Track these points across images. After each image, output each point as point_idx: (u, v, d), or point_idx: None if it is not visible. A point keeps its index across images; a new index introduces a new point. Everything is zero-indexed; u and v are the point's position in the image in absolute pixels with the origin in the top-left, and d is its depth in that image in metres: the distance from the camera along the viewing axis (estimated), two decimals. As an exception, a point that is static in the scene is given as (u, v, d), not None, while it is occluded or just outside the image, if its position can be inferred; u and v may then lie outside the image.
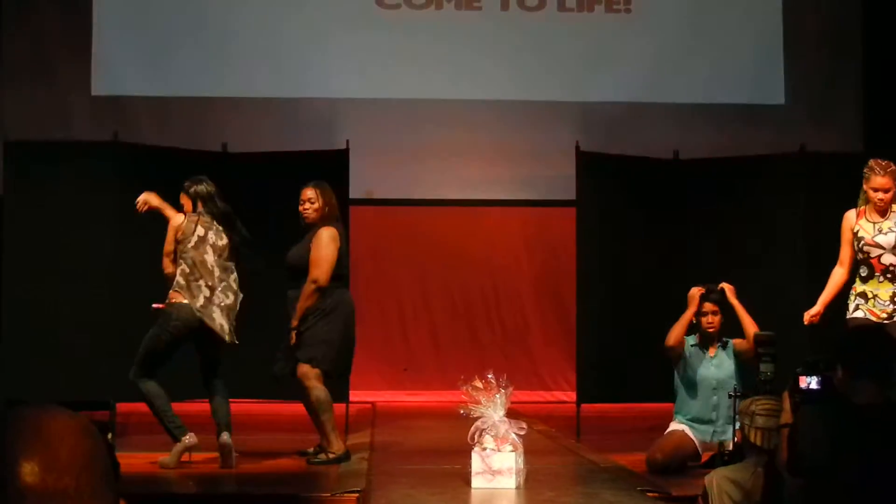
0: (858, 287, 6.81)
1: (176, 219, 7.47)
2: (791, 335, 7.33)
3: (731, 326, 7.39)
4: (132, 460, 7.15)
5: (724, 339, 7.43)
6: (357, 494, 6.19)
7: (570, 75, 11.37)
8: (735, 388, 6.84)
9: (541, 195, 11.48)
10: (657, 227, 9.39)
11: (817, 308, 6.96)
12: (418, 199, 11.71)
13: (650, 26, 11.36)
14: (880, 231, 6.72)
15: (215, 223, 7.48)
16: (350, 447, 7.74)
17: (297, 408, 7.96)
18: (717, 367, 7.37)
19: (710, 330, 7.37)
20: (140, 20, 11.15)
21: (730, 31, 11.39)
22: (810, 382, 4.57)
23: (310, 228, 7.57)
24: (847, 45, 11.29)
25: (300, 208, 7.59)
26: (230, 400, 7.54)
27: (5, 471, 1.48)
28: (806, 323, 7.00)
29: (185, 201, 7.53)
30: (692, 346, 7.42)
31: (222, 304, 7.39)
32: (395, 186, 11.52)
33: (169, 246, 7.46)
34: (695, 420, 7.38)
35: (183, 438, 7.23)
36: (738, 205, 9.34)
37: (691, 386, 7.41)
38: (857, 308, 6.76)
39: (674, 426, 7.45)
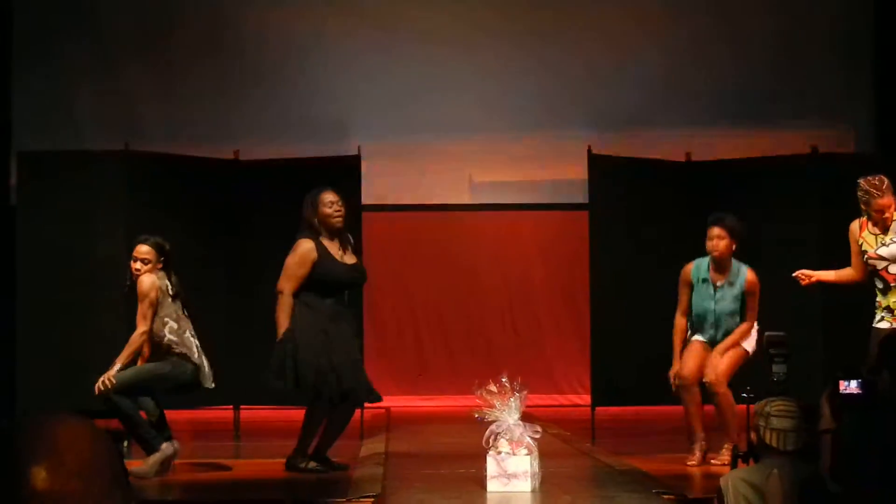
0: (882, 301, 6.78)
1: (149, 280, 7.19)
2: (804, 336, 7.30)
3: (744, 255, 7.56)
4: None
5: (738, 268, 7.53)
6: (372, 499, 6.19)
7: (582, 78, 11.36)
8: (748, 390, 6.80)
9: (553, 199, 11.47)
10: (670, 230, 9.37)
11: (815, 273, 7.08)
12: (431, 205, 11.70)
13: (662, 28, 11.35)
14: (883, 243, 6.74)
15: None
16: (365, 453, 7.73)
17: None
18: (718, 301, 7.53)
19: (715, 254, 7.49)
20: (152, 28, 11.18)
21: (742, 33, 11.36)
22: (849, 385, 4.51)
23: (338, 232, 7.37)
24: (859, 45, 11.26)
25: (334, 211, 7.24)
26: (247, 407, 7.51)
27: (16, 476, 1.49)
28: (794, 275, 7.12)
29: (151, 254, 7.25)
30: (702, 280, 7.56)
31: (200, 347, 7.31)
32: (407, 192, 11.52)
33: (149, 311, 7.19)
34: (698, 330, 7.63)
35: (162, 447, 7.14)
36: (751, 206, 9.31)
37: (695, 312, 7.62)
38: (881, 319, 6.75)
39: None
